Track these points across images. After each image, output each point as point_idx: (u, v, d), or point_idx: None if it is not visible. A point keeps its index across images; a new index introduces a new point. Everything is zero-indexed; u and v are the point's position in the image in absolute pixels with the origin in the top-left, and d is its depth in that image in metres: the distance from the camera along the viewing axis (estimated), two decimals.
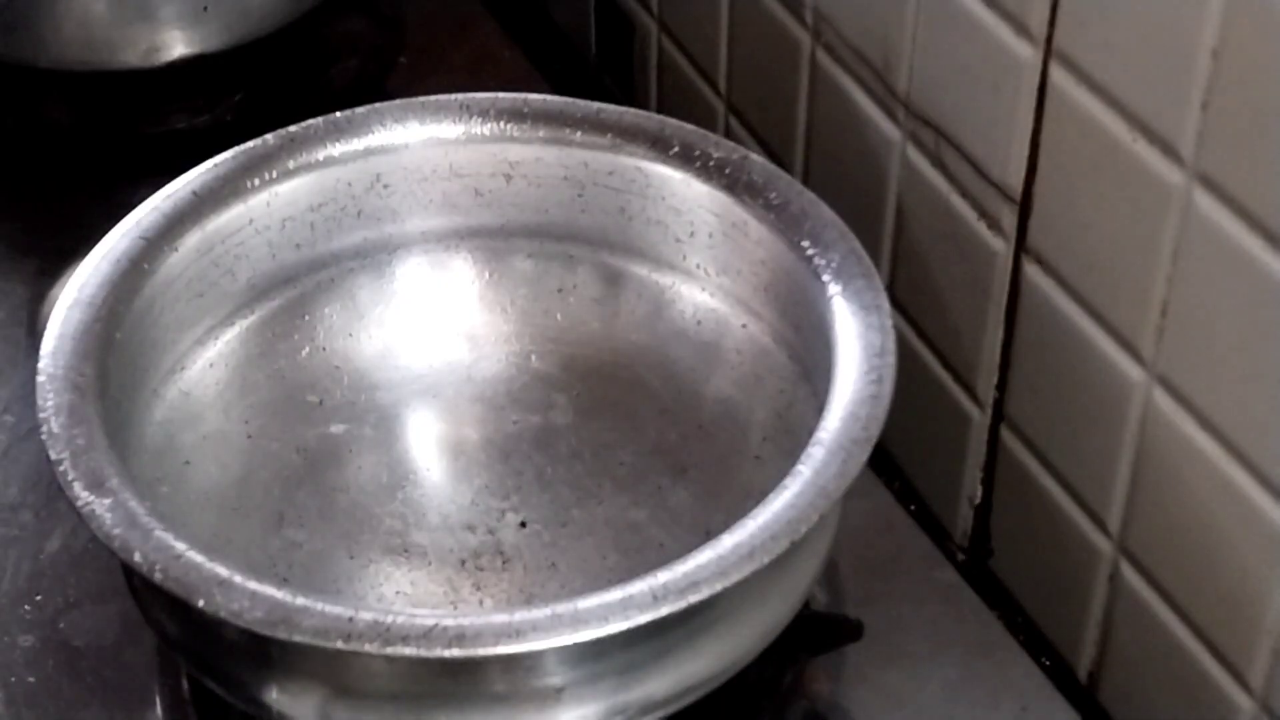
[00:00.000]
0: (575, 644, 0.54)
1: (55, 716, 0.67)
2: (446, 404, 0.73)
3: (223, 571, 0.55)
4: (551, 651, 0.55)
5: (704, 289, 0.71)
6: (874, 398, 0.60)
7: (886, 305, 0.63)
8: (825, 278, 0.65)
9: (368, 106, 0.72)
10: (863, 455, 0.58)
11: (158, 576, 0.55)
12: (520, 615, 0.54)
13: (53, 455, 0.59)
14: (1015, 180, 0.68)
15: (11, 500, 0.75)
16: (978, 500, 0.77)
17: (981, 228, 0.71)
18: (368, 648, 0.53)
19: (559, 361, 0.74)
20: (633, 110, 0.72)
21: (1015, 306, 0.70)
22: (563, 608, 0.54)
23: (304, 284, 0.72)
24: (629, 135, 0.71)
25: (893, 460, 0.81)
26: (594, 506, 0.70)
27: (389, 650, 0.53)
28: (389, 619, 0.54)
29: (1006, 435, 0.73)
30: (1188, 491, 0.63)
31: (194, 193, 0.69)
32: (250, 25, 0.90)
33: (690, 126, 0.71)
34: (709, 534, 0.59)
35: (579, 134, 0.71)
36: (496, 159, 0.72)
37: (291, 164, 0.70)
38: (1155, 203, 0.61)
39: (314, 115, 0.72)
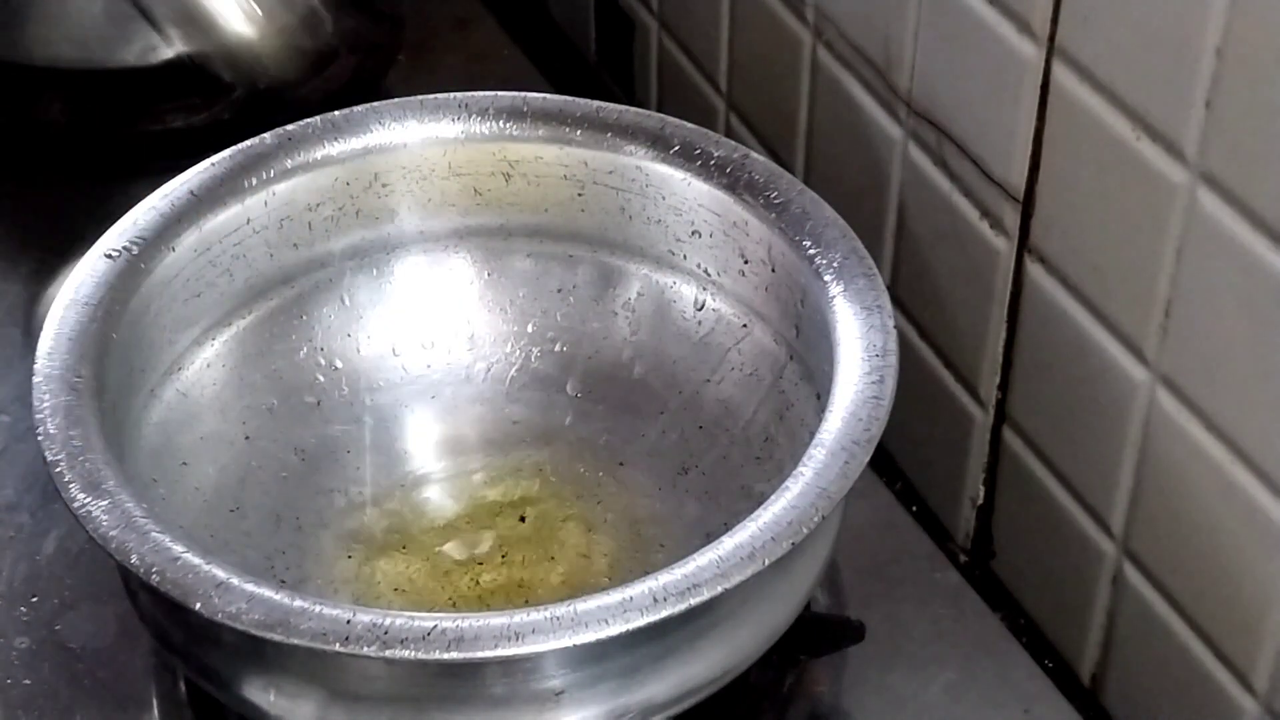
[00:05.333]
0: (575, 646, 0.54)
1: (51, 719, 0.67)
2: (446, 404, 0.73)
3: (220, 574, 0.55)
4: (551, 654, 0.55)
5: (704, 289, 0.71)
6: (875, 398, 0.60)
7: (888, 305, 0.63)
8: (827, 277, 0.64)
9: (366, 105, 0.72)
10: (864, 456, 0.58)
11: (154, 579, 0.55)
12: (519, 617, 0.54)
13: (49, 456, 0.59)
14: (1018, 179, 0.68)
15: (8, 501, 0.74)
16: (980, 501, 0.76)
17: (984, 227, 0.71)
18: (366, 651, 0.53)
19: (559, 361, 0.73)
20: (633, 109, 0.71)
21: (1018, 306, 0.70)
22: (562, 610, 0.54)
23: (302, 284, 0.72)
24: (629, 134, 0.71)
25: (894, 461, 0.81)
26: (593, 505, 0.70)
27: (387, 653, 0.53)
28: (387, 621, 0.54)
29: (1009, 435, 0.73)
30: (1191, 492, 0.63)
31: (191, 192, 0.68)
32: None
33: (691, 125, 0.71)
34: (709, 535, 0.59)
35: (579, 133, 0.71)
36: (496, 158, 0.72)
37: (289, 163, 0.70)
38: (1159, 201, 0.61)
39: (312, 114, 0.72)
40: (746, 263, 0.69)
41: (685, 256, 0.71)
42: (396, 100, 0.72)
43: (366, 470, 0.71)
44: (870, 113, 0.77)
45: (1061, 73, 0.64)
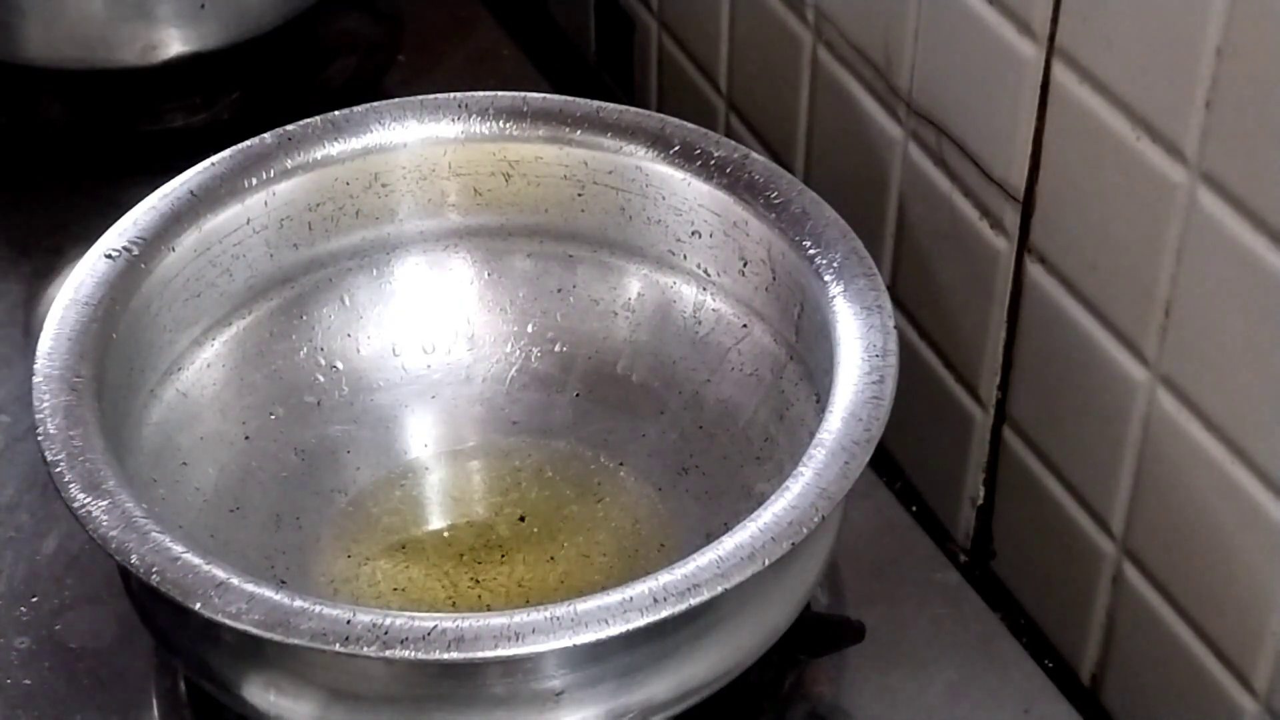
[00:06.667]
0: (575, 646, 0.54)
1: (51, 719, 0.67)
2: (446, 404, 0.73)
3: (220, 573, 0.55)
4: (551, 654, 0.55)
5: (704, 289, 0.71)
6: (875, 398, 0.60)
7: (888, 305, 0.63)
8: (827, 277, 0.64)
9: (366, 105, 0.72)
10: (864, 456, 0.58)
11: (155, 579, 0.55)
12: (519, 617, 0.54)
13: (49, 457, 0.59)
14: (1018, 179, 0.68)
15: (8, 501, 0.74)
16: (980, 501, 0.76)
17: (984, 227, 0.71)
18: (366, 651, 0.53)
19: (559, 361, 0.73)
20: (633, 109, 0.71)
21: (1018, 306, 0.70)
22: (562, 610, 0.54)
23: (302, 284, 0.72)
24: (629, 134, 0.70)
25: (894, 461, 0.81)
26: (593, 505, 0.70)
27: (387, 654, 0.53)
28: (387, 621, 0.54)
29: (1009, 435, 0.73)
30: (1191, 492, 0.63)
31: (191, 192, 0.68)
32: (248, 23, 0.90)
33: (691, 125, 0.70)
34: (709, 535, 0.59)
35: (579, 133, 0.71)
36: (495, 158, 0.72)
37: (289, 163, 0.70)
38: (1159, 201, 0.60)
39: (312, 114, 0.72)
40: (746, 263, 0.69)
41: (685, 256, 0.71)
42: (396, 100, 0.72)
43: (366, 470, 0.71)
44: (870, 113, 0.77)
45: (1061, 73, 0.64)
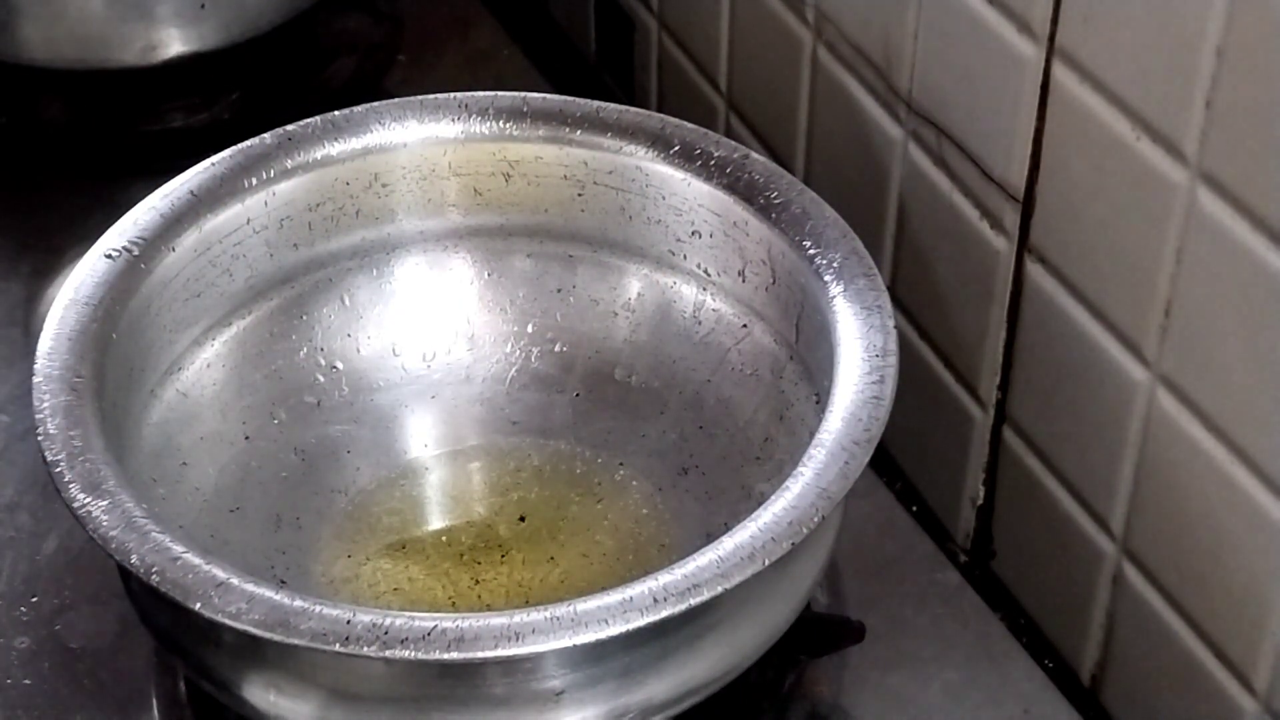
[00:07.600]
0: (575, 646, 0.54)
1: (51, 719, 0.67)
2: (446, 404, 0.73)
3: (220, 574, 0.55)
4: (551, 654, 0.55)
5: (704, 289, 0.71)
6: (875, 398, 0.60)
7: (888, 305, 0.63)
8: (827, 277, 0.64)
9: (366, 105, 0.72)
10: (864, 456, 0.58)
11: (154, 579, 0.55)
12: (519, 617, 0.54)
13: (49, 457, 0.59)
14: (1018, 179, 0.68)
15: (8, 501, 0.74)
16: (980, 501, 0.76)
17: (984, 227, 0.71)
18: (366, 651, 0.53)
19: (559, 361, 0.73)
20: (633, 109, 0.71)
21: (1018, 306, 0.70)
22: (562, 610, 0.54)
23: (302, 284, 0.72)
24: (629, 134, 0.70)
25: (894, 461, 0.81)
26: (593, 504, 0.70)
27: (387, 654, 0.53)
28: (387, 621, 0.54)
29: (1009, 436, 0.73)
30: (1191, 492, 0.63)
31: (191, 192, 0.68)
32: (248, 23, 0.90)
33: (691, 125, 0.70)
34: (709, 535, 0.59)
35: (579, 133, 0.71)
36: (496, 158, 0.72)
37: (289, 163, 0.70)
38: (1159, 202, 0.60)
39: (312, 114, 0.72)
40: (746, 263, 0.69)
41: (685, 257, 0.71)
42: (396, 100, 0.72)
43: (366, 470, 0.71)
44: (870, 113, 0.77)
45: (1061, 73, 0.64)
